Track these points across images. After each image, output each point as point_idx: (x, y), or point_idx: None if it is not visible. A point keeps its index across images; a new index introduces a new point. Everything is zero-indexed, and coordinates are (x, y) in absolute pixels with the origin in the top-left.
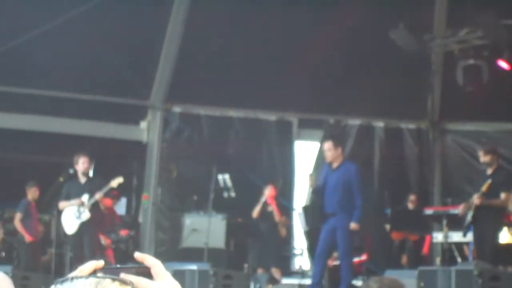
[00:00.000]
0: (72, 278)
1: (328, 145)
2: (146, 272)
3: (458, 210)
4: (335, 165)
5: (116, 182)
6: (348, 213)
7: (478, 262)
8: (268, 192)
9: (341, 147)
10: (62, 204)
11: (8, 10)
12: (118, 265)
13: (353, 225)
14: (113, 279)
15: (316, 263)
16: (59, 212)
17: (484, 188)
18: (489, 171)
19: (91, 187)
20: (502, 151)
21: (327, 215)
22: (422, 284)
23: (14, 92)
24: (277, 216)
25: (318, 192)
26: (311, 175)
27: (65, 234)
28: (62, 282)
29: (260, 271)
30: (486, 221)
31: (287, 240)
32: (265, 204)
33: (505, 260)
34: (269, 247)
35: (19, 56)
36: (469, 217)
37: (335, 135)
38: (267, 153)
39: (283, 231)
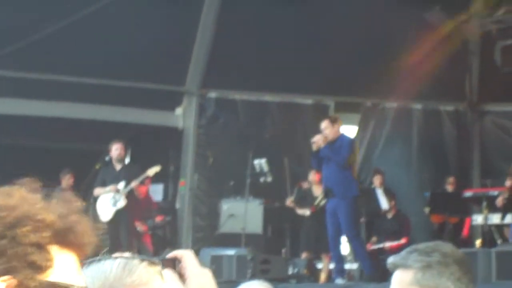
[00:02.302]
0: (100, 259)
1: (325, 123)
2: (170, 263)
3: (497, 201)
4: (332, 141)
5: (153, 170)
6: (344, 188)
7: None
8: (313, 178)
9: (339, 123)
10: (97, 191)
11: None
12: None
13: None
14: (141, 260)
15: (331, 249)
16: (95, 200)
17: (511, 168)
18: None
19: (127, 174)
20: None
21: (327, 192)
22: None
23: (49, 79)
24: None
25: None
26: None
27: (102, 223)
28: (89, 263)
29: (304, 255)
30: None
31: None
32: (308, 190)
33: None
34: (316, 232)
35: (55, 44)
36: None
37: (333, 115)
38: (304, 137)
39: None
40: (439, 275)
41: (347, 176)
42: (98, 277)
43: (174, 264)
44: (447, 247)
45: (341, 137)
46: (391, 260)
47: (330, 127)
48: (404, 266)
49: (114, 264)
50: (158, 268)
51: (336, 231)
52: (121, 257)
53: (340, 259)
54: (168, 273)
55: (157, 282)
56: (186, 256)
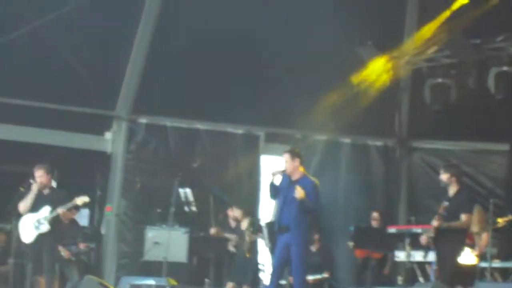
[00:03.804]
0: None
1: (285, 156)
2: None
3: (421, 239)
4: (294, 178)
5: (81, 200)
6: (302, 229)
7: (436, 282)
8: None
9: (299, 159)
10: (22, 205)
11: None
12: None
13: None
14: None
15: (271, 280)
16: (18, 220)
17: (439, 210)
18: (451, 192)
19: (53, 199)
20: (468, 170)
21: (281, 228)
22: None
23: None
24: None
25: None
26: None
27: (26, 245)
28: None
29: (230, 286)
30: (447, 242)
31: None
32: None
33: (465, 281)
34: (242, 264)
35: None
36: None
37: (295, 148)
38: (233, 166)
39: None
40: None
41: (306, 218)
42: None
43: None
44: None
45: (304, 180)
46: None
47: (290, 161)
48: None
49: None
50: None
51: (280, 266)
52: None
53: None
54: None
55: None
56: None
